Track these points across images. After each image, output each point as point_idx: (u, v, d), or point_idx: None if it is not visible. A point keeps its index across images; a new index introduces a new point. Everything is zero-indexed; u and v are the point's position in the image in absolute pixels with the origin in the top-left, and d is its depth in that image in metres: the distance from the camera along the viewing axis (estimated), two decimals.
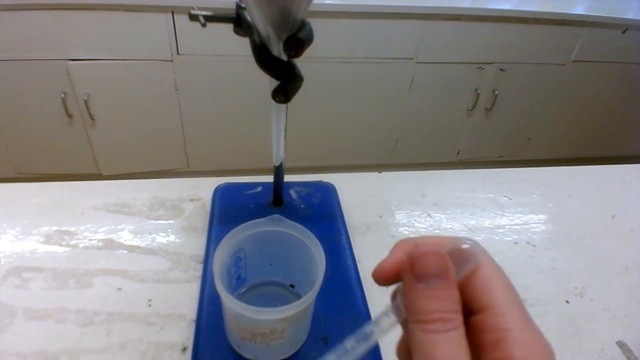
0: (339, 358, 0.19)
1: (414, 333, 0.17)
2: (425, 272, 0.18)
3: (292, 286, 0.43)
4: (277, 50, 0.36)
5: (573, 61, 1.74)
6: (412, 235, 0.58)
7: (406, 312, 0.18)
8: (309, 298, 0.32)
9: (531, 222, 0.62)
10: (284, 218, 0.37)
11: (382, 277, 0.21)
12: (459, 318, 0.17)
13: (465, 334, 0.17)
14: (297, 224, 0.37)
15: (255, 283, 0.42)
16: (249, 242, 0.37)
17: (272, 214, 0.38)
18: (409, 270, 0.18)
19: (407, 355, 0.20)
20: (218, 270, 0.32)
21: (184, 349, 0.41)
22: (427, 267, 0.18)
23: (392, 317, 0.19)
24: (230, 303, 0.31)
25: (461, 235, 0.18)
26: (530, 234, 0.59)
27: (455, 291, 0.18)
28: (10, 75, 1.38)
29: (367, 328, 0.20)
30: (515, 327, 0.17)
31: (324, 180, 0.62)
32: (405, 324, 0.19)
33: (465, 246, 0.19)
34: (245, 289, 0.42)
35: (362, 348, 0.19)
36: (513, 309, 0.18)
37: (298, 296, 0.41)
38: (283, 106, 0.43)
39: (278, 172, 0.52)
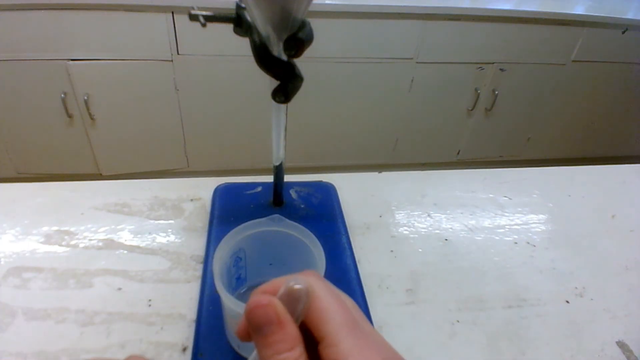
0: None
1: None
2: (257, 323, 0.19)
3: None
4: (277, 50, 0.36)
5: (573, 61, 1.74)
6: (412, 236, 0.58)
7: None
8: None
9: (531, 222, 0.62)
10: (284, 218, 0.37)
11: (241, 336, 0.22)
12: (295, 353, 0.19)
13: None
14: (297, 224, 0.37)
15: (255, 283, 0.42)
16: (249, 242, 0.37)
17: (272, 214, 0.38)
18: (248, 325, 0.20)
19: None
20: (218, 271, 0.32)
21: (184, 349, 0.41)
22: (256, 319, 0.19)
23: None
24: (230, 303, 0.31)
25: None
26: (530, 234, 0.59)
27: (289, 330, 0.19)
28: (10, 75, 1.38)
29: None
30: (342, 356, 0.19)
31: (324, 180, 0.62)
32: None
33: (296, 287, 0.20)
34: (245, 289, 0.42)
35: None
36: (341, 337, 0.19)
37: None
38: (283, 106, 0.43)
39: (278, 172, 0.52)
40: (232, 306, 0.31)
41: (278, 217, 0.37)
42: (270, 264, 0.42)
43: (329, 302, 0.21)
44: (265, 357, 0.19)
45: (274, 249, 0.39)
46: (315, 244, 0.35)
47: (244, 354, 0.37)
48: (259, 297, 0.20)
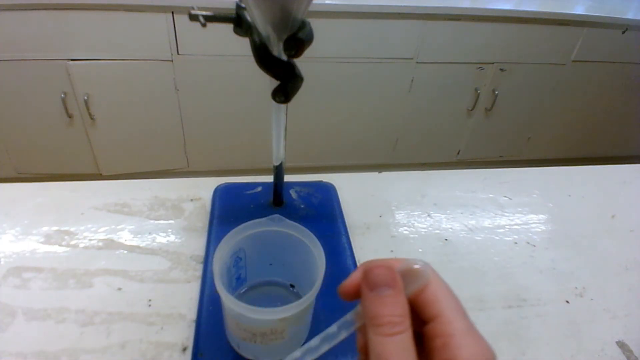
0: (304, 354, 0.22)
1: (369, 336, 0.20)
2: (376, 281, 0.21)
3: (292, 286, 0.43)
4: (277, 50, 0.36)
5: (573, 61, 1.74)
6: (412, 236, 0.58)
7: (364, 319, 0.21)
8: (308, 298, 0.32)
9: (531, 222, 0.62)
10: (284, 218, 0.37)
11: (345, 293, 0.24)
12: (405, 322, 0.20)
13: (412, 338, 0.20)
14: (297, 224, 0.37)
15: (255, 283, 0.42)
16: (249, 242, 0.37)
17: (272, 214, 0.38)
18: (364, 283, 0.21)
19: (364, 357, 0.22)
20: (218, 271, 0.32)
21: (184, 349, 0.41)
22: (377, 277, 0.21)
23: (352, 322, 0.22)
24: (230, 303, 0.31)
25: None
26: (530, 234, 0.59)
27: (402, 299, 0.21)
28: (10, 75, 1.38)
29: (331, 329, 0.22)
30: (459, 333, 0.20)
31: (324, 180, 0.62)
32: (360, 329, 0.22)
33: (416, 266, 0.21)
34: (245, 289, 0.42)
35: (325, 347, 0.22)
36: (457, 317, 0.21)
37: (298, 296, 0.41)
38: (283, 106, 0.43)
39: (278, 172, 0.52)
40: (232, 306, 0.31)
41: (278, 217, 0.37)
42: (270, 264, 0.42)
43: (445, 287, 0.22)
44: (377, 316, 0.20)
45: (274, 249, 0.39)
46: (315, 244, 0.35)
47: (244, 354, 0.37)
48: (378, 261, 0.21)
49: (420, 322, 0.21)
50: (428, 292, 0.21)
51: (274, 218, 0.37)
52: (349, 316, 0.23)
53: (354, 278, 0.23)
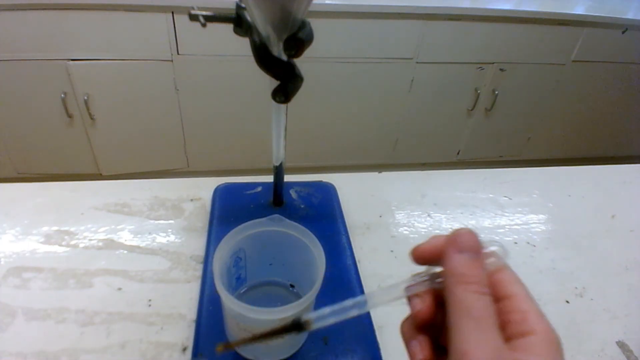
0: (355, 303, 0.25)
1: (455, 292, 0.22)
2: (466, 245, 0.23)
3: (292, 286, 0.43)
4: (277, 50, 0.36)
5: (573, 61, 1.74)
6: (412, 236, 0.58)
7: (447, 279, 0.22)
8: (308, 298, 0.32)
9: (531, 222, 0.62)
10: (284, 218, 0.37)
11: (419, 256, 0.25)
12: (488, 289, 0.22)
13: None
14: (297, 224, 0.37)
15: (255, 283, 0.42)
16: (249, 242, 0.37)
17: (272, 214, 0.38)
18: (451, 245, 0.23)
19: (412, 332, 0.24)
20: (218, 271, 0.32)
21: (184, 349, 0.41)
22: (467, 242, 0.23)
23: (403, 291, 0.24)
24: (230, 303, 0.31)
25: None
26: (530, 234, 0.59)
27: (484, 268, 0.23)
28: (10, 75, 1.38)
29: (394, 286, 0.24)
30: (535, 310, 0.22)
31: (324, 180, 0.62)
32: (420, 294, 0.24)
33: (493, 248, 0.24)
34: (245, 289, 0.42)
35: (388, 298, 0.25)
36: (531, 300, 0.23)
37: (298, 296, 0.41)
38: (283, 106, 0.43)
39: (278, 172, 0.52)
40: (232, 306, 0.31)
41: (278, 217, 0.37)
42: (270, 264, 0.42)
43: (514, 273, 0.24)
44: (466, 275, 0.22)
45: (274, 249, 0.39)
46: (315, 244, 0.35)
47: (243, 353, 0.37)
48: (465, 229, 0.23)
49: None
50: (505, 274, 0.24)
51: (274, 218, 0.37)
52: (408, 282, 0.24)
53: (432, 243, 0.24)
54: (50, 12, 1.29)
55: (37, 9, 1.28)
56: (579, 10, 1.67)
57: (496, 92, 1.74)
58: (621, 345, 0.46)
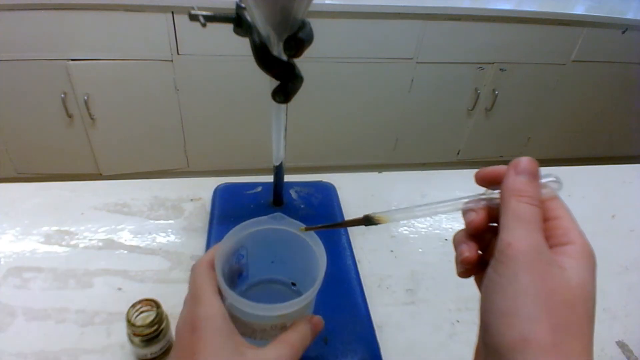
0: (422, 206, 0.29)
1: (509, 202, 0.25)
2: (525, 168, 0.26)
3: (294, 284, 0.42)
4: (277, 50, 0.36)
5: (573, 61, 1.74)
6: (412, 236, 0.58)
7: (503, 194, 0.26)
8: (309, 296, 0.32)
9: None
10: (285, 216, 0.37)
11: (482, 178, 0.28)
12: (540, 204, 0.25)
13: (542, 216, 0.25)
14: (298, 222, 0.37)
15: (256, 281, 0.42)
16: (251, 239, 0.37)
17: (273, 213, 0.38)
18: (512, 167, 0.26)
19: (463, 239, 0.28)
20: (220, 267, 0.32)
21: None
22: (526, 166, 0.26)
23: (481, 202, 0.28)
24: (232, 299, 0.31)
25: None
26: None
27: (539, 190, 0.26)
28: (10, 75, 1.38)
29: (456, 199, 0.29)
30: (576, 229, 0.25)
31: (324, 180, 0.62)
32: (466, 212, 0.28)
33: (550, 179, 0.27)
34: (246, 286, 0.42)
35: (449, 208, 0.29)
36: (574, 222, 0.26)
37: (299, 294, 0.41)
38: (283, 106, 0.43)
39: (278, 172, 0.52)
40: (234, 302, 0.31)
41: (280, 215, 0.37)
42: (272, 262, 0.41)
43: (563, 202, 0.27)
44: (522, 190, 0.25)
45: (275, 246, 0.39)
46: (317, 242, 0.35)
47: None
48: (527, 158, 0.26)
49: None
50: (555, 202, 0.27)
51: (275, 216, 0.37)
52: (467, 198, 0.28)
53: (494, 168, 0.28)
54: (50, 12, 1.29)
55: (37, 9, 1.28)
56: (579, 10, 1.67)
57: (496, 92, 1.74)
58: (621, 345, 0.46)
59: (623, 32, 1.70)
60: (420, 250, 0.56)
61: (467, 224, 0.28)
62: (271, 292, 0.42)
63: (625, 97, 1.93)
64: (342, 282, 0.47)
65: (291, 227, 0.37)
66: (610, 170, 0.76)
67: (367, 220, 0.30)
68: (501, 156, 2.03)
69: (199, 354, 0.27)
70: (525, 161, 0.26)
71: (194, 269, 0.33)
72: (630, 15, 1.71)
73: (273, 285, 0.43)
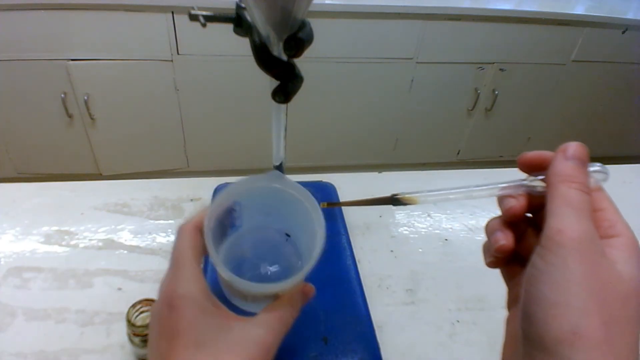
0: (456, 191, 0.28)
1: (559, 188, 0.24)
2: (575, 154, 0.25)
3: (288, 235, 0.39)
4: (277, 50, 0.36)
5: (573, 61, 1.74)
6: (412, 236, 0.58)
7: (550, 179, 0.25)
8: (305, 271, 0.29)
9: None
10: (282, 175, 0.34)
11: (525, 163, 0.27)
12: (589, 192, 0.24)
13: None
14: (297, 184, 0.34)
15: (250, 228, 0.39)
16: (246, 196, 0.34)
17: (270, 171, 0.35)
18: (560, 152, 0.25)
19: (497, 227, 0.27)
20: (210, 233, 0.30)
21: None
22: (576, 151, 0.25)
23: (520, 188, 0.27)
24: (224, 274, 0.29)
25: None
26: None
27: (587, 177, 0.25)
28: (10, 75, 1.38)
29: (494, 184, 0.28)
30: (622, 222, 0.25)
31: (324, 180, 0.62)
32: (504, 198, 0.27)
33: (595, 168, 0.26)
34: (238, 235, 0.39)
35: (485, 193, 0.28)
36: (620, 214, 0.25)
37: (294, 246, 0.39)
38: (283, 106, 0.43)
39: None
40: (225, 276, 0.29)
41: (277, 174, 0.34)
42: (268, 214, 0.38)
43: (607, 193, 0.26)
44: (573, 176, 0.24)
45: (272, 202, 0.36)
46: (315, 207, 0.32)
47: (238, 305, 0.35)
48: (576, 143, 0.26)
49: None
50: (600, 192, 0.26)
51: (273, 174, 0.34)
52: (505, 183, 0.27)
53: (539, 152, 0.27)
54: (50, 12, 1.29)
55: (37, 9, 1.28)
56: (579, 10, 1.67)
57: (496, 92, 1.74)
58: None
59: (623, 32, 1.70)
60: (420, 250, 0.56)
61: (505, 210, 0.27)
62: (264, 240, 0.40)
63: (625, 97, 1.93)
64: (342, 282, 0.47)
65: (289, 188, 0.34)
66: (610, 170, 0.76)
67: (395, 201, 0.28)
68: (501, 156, 2.03)
69: (180, 336, 0.25)
70: (574, 146, 0.25)
71: (179, 231, 0.30)
72: (630, 15, 1.71)
73: (267, 233, 0.40)
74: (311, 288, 0.32)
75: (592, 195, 0.25)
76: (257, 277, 0.36)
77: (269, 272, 0.36)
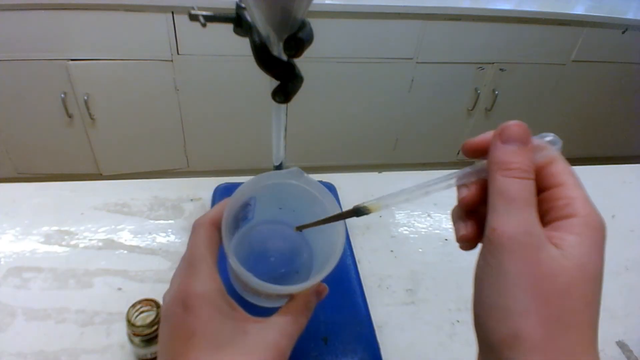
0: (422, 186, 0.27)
1: (494, 177, 0.22)
2: (510, 135, 0.23)
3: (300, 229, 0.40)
4: (277, 50, 0.36)
5: (573, 61, 1.74)
6: (412, 236, 0.58)
7: (489, 167, 0.23)
8: (322, 274, 0.29)
9: None
10: (303, 172, 0.34)
11: (469, 149, 0.26)
12: (532, 174, 0.22)
13: (535, 188, 0.22)
14: (317, 182, 0.34)
15: (262, 221, 0.39)
16: (262, 191, 0.35)
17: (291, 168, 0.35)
18: (497, 136, 0.23)
19: (460, 216, 0.26)
20: (227, 231, 0.29)
21: None
22: (511, 132, 0.23)
23: (460, 177, 0.26)
24: (244, 276, 0.28)
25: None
26: None
27: (531, 156, 0.23)
28: (10, 75, 1.38)
29: (446, 176, 0.26)
30: (581, 197, 0.23)
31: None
32: (468, 185, 0.25)
33: (548, 139, 0.24)
34: (249, 226, 0.39)
35: (440, 186, 0.26)
36: (579, 188, 0.23)
37: (305, 241, 0.39)
38: (283, 106, 0.43)
39: None
40: (245, 278, 0.29)
41: (297, 171, 0.34)
42: (280, 209, 0.39)
43: (568, 166, 0.24)
44: (507, 162, 0.22)
45: (287, 198, 0.36)
46: (334, 206, 0.33)
47: (248, 299, 0.35)
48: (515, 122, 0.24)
49: (539, 189, 0.24)
50: (556, 165, 0.24)
51: (292, 171, 0.34)
52: (457, 173, 0.26)
53: (482, 137, 0.25)
54: (50, 12, 1.29)
55: (37, 9, 1.28)
56: (579, 10, 1.67)
57: (496, 92, 1.74)
58: (621, 345, 0.46)
59: (623, 32, 1.70)
60: (420, 250, 0.56)
61: (459, 200, 0.26)
62: (275, 234, 0.40)
63: (625, 97, 1.93)
64: (342, 282, 0.47)
65: (308, 185, 0.34)
66: (610, 170, 0.76)
67: (357, 211, 0.28)
68: None
69: (196, 336, 0.24)
70: (512, 126, 0.23)
71: (195, 227, 0.29)
72: (630, 15, 1.71)
73: (278, 227, 0.40)
74: (325, 288, 0.32)
75: (545, 169, 0.24)
76: (266, 267, 0.36)
77: (279, 267, 0.36)
